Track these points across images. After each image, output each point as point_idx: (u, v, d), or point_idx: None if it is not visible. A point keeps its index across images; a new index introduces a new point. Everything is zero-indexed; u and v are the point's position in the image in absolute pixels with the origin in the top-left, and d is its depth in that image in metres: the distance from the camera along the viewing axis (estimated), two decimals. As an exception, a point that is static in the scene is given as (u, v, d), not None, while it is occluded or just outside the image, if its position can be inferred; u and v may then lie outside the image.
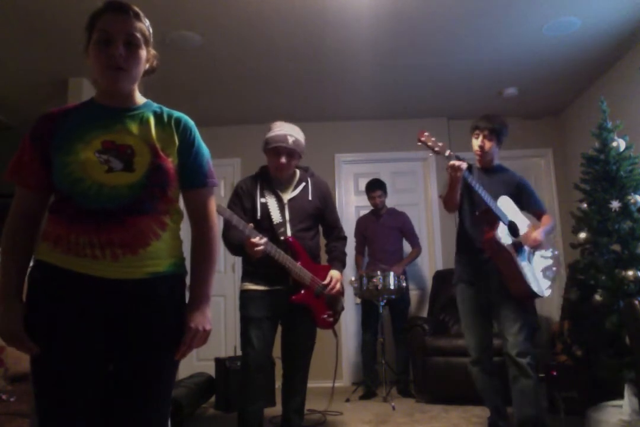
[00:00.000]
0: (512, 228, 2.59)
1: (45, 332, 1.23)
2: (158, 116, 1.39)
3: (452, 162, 2.43)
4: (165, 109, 1.42)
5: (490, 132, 2.67)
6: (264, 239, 2.33)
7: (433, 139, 2.44)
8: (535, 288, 2.53)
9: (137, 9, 1.34)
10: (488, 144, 2.68)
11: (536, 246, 2.63)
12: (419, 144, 2.44)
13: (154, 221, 1.30)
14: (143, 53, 1.33)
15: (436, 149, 2.42)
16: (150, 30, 1.38)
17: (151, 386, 1.30)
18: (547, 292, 2.64)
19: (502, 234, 2.52)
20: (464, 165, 2.47)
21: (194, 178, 1.40)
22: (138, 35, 1.31)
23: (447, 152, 2.44)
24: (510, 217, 2.60)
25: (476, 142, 2.71)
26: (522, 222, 2.69)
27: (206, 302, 1.38)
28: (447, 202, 2.61)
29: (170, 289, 1.34)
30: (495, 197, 2.59)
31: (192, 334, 1.33)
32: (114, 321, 1.27)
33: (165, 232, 1.33)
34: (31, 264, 1.33)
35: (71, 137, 1.29)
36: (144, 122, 1.35)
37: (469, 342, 2.68)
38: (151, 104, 1.42)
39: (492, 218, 2.54)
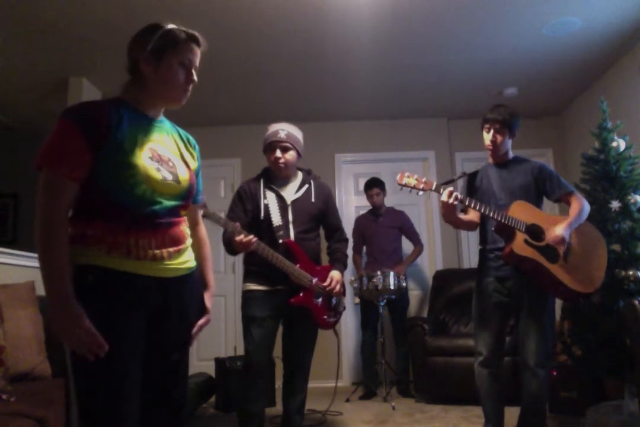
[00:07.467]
0: (534, 231, 2.38)
1: (110, 333, 1.25)
2: (177, 133, 1.54)
3: (442, 199, 2.41)
4: (178, 127, 1.57)
5: (501, 125, 2.55)
6: (251, 237, 2.26)
7: (415, 177, 2.44)
8: (578, 288, 2.34)
9: None
10: (500, 138, 2.57)
11: (559, 243, 2.33)
12: (401, 188, 2.47)
13: (183, 222, 1.49)
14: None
15: (421, 187, 2.42)
16: None
17: (183, 371, 1.48)
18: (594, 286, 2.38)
19: (521, 245, 2.34)
20: (455, 192, 2.42)
21: (196, 196, 1.58)
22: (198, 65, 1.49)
23: (434, 186, 2.43)
24: (531, 220, 2.39)
25: (487, 137, 2.59)
26: (546, 220, 2.44)
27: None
28: (455, 226, 2.64)
29: (196, 281, 1.52)
30: (513, 193, 2.51)
31: (210, 316, 1.56)
32: (157, 316, 1.37)
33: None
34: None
35: (132, 139, 1.34)
36: (170, 137, 1.49)
37: (481, 340, 2.50)
38: (165, 118, 1.53)
39: (508, 230, 2.39)
